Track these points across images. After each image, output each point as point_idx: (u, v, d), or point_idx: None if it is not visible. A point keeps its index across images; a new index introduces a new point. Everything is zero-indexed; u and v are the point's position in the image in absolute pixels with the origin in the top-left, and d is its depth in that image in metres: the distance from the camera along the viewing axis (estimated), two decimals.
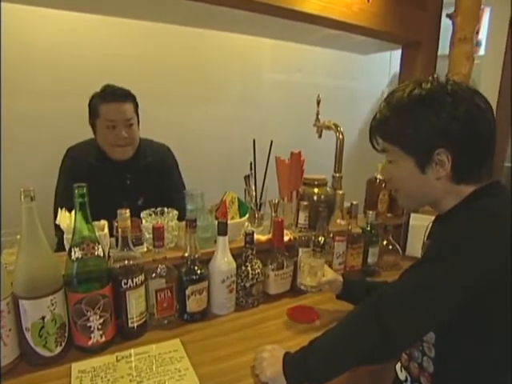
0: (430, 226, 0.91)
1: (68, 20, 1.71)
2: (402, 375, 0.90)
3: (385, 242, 1.42)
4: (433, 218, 1.49)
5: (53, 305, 0.82)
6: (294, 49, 2.08)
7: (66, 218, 0.96)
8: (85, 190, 0.83)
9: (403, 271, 1.03)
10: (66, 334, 0.86)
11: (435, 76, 0.74)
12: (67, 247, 0.95)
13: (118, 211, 0.90)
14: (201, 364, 0.86)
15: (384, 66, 2.51)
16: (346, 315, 0.79)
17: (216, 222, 1.13)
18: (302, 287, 1.09)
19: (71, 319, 0.86)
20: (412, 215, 1.50)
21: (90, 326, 0.86)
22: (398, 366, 0.93)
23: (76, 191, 0.83)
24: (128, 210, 0.91)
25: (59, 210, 0.99)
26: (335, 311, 1.10)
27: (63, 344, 0.86)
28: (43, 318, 0.81)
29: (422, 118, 0.71)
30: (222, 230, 1.05)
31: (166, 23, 1.69)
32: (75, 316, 0.85)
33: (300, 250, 1.19)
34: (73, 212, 0.97)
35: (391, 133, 0.77)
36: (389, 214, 1.48)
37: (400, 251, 1.43)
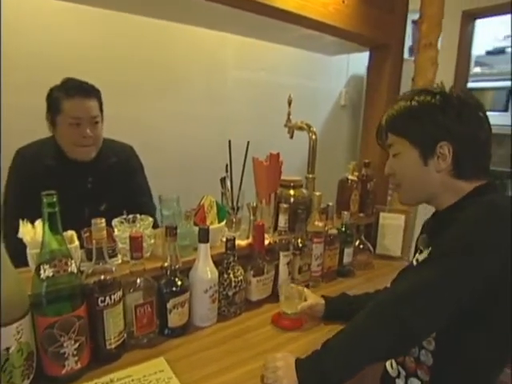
0: (428, 221, 0.92)
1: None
2: (394, 371, 0.91)
3: (357, 242, 1.45)
4: (402, 216, 1.55)
5: (19, 333, 0.70)
6: (257, 46, 2.04)
7: (29, 231, 0.83)
8: (55, 199, 0.73)
9: (400, 271, 1.05)
10: (34, 365, 0.75)
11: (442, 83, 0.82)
12: (32, 263, 0.83)
13: (93, 221, 0.80)
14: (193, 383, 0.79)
15: (341, 68, 2.57)
16: (356, 316, 0.78)
17: (195, 229, 1.07)
18: (284, 314, 1.05)
19: (40, 347, 0.75)
20: (381, 214, 1.54)
21: (64, 353, 0.76)
22: (388, 362, 0.94)
23: (44, 200, 0.72)
24: (104, 220, 0.81)
25: (21, 221, 0.85)
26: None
27: (31, 376, 0.74)
28: (7, 349, 0.69)
29: (430, 113, 0.78)
30: (204, 236, 0.98)
31: (127, 13, 1.56)
32: (46, 343, 0.74)
33: (281, 253, 1.17)
34: (36, 223, 0.86)
35: (400, 126, 0.83)
36: (361, 214, 1.51)
37: (372, 250, 1.46)
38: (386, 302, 0.76)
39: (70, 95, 1.21)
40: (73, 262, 0.77)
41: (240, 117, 2.15)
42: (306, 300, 1.05)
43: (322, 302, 1.06)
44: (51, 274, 0.73)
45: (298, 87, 2.26)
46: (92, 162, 1.31)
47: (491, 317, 0.74)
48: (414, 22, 1.38)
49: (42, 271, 0.73)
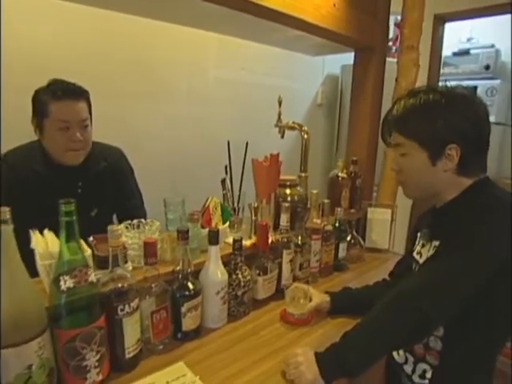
0: (427, 217, 0.97)
1: None
2: (401, 358, 0.96)
3: (349, 237, 1.50)
4: (388, 210, 1.62)
5: (41, 349, 0.67)
6: (237, 45, 2.04)
7: (40, 241, 0.79)
8: (73, 207, 0.70)
9: (397, 262, 1.10)
10: (55, 380, 0.72)
11: (446, 83, 0.82)
12: (44, 275, 0.80)
13: (109, 227, 0.78)
14: None
15: (317, 68, 2.63)
16: (373, 309, 0.82)
17: (201, 231, 1.06)
18: (290, 316, 1.07)
19: (61, 361, 0.72)
20: (369, 209, 1.61)
21: (86, 366, 0.73)
22: None
23: (63, 208, 0.69)
24: (120, 227, 0.79)
25: (31, 232, 0.81)
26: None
27: None
28: (30, 366, 0.66)
29: (440, 116, 0.80)
30: (214, 238, 0.98)
31: (111, 10, 1.50)
32: (67, 357, 0.71)
33: (284, 252, 1.19)
34: (45, 233, 0.83)
35: (410, 129, 0.84)
36: (352, 210, 1.57)
37: (363, 245, 1.52)
38: (404, 295, 0.80)
39: (58, 97, 1.15)
40: (91, 271, 0.75)
41: (221, 116, 2.14)
42: (311, 300, 1.07)
43: (327, 298, 1.10)
44: (72, 285, 0.70)
45: (276, 86, 2.29)
46: (81, 167, 1.26)
47: (494, 301, 0.80)
48: (396, 25, 1.45)
49: (61, 282, 0.70)
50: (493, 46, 2.49)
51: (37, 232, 0.82)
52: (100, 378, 0.77)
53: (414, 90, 0.88)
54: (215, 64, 2.06)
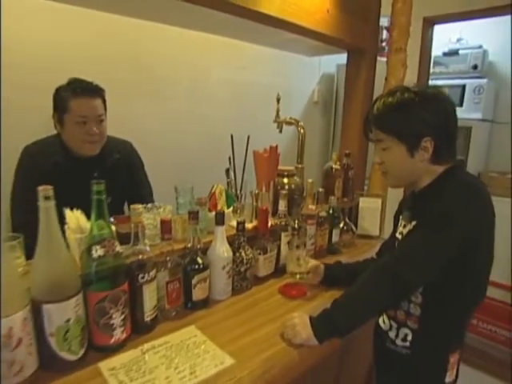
0: (407, 201, 1.10)
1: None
2: (386, 326, 1.09)
3: (342, 224, 1.63)
4: (378, 200, 1.75)
5: (77, 305, 0.80)
6: (237, 46, 2.16)
7: (72, 218, 0.92)
8: (103, 187, 0.82)
9: (383, 243, 1.23)
10: (87, 336, 0.85)
11: (417, 84, 0.95)
12: (75, 247, 0.92)
13: (131, 206, 0.91)
14: (224, 344, 0.92)
15: (314, 67, 2.75)
16: (359, 278, 0.95)
17: (208, 214, 1.19)
18: (291, 275, 1.20)
19: (91, 320, 0.84)
20: (361, 199, 1.73)
21: (113, 324, 0.86)
22: (381, 318, 1.12)
23: (94, 188, 0.82)
24: (140, 206, 0.92)
25: (66, 209, 0.93)
26: (318, 284, 1.25)
27: (85, 345, 0.84)
28: (68, 320, 0.78)
29: (415, 113, 0.91)
30: (220, 219, 1.11)
31: (117, 14, 1.62)
32: (97, 315, 0.84)
33: (282, 234, 1.31)
34: (75, 211, 0.95)
35: (389, 125, 0.95)
36: (344, 199, 1.69)
37: (355, 231, 1.65)
38: (385, 265, 0.93)
39: (77, 95, 1.27)
40: (117, 243, 0.87)
41: (223, 113, 2.26)
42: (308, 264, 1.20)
43: (322, 266, 1.23)
44: (102, 254, 0.83)
45: (275, 85, 2.40)
46: (97, 158, 1.38)
47: (465, 270, 0.93)
48: (385, 28, 1.57)
49: (93, 251, 0.82)
50: (480, 46, 2.62)
51: (69, 210, 0.94)
52: (124, 335, 0.89)
53: (392, 90, 0.97)
54: (217, 64, 2.18)
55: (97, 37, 1.77)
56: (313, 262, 1.22)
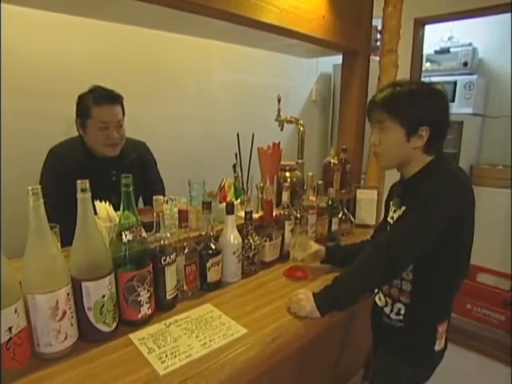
0: (397, 188, 1.21)
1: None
2: (381, 302, 1.21)
3: (340, 214, 1.75)
4: (374, 191, 1.87)
5: (110, 284, 0.92)
6: (237, 50, 2.28)
7: (102, 209, 1.04)
8: (130, 180, 0.94)
9: (377, 226, 1.35)
10: (118, 312, 0.97)
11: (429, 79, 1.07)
12: (106, 234, 1.04)
13: (155, 197, 1.03)
14: (238, 317, 1.04)
15: (312, 67, 2.87)
16: (357, 258, 1.06)
17: (219, 205, 1.31)
18: (294, 259, 1.32)
19: (122, 297, 0.96)
20: (358, 190, 1.86)
21: (140, 301, 0.98)
22: (377, 296, 1.23)
23: (123, 181, 0.94)
24: (162, 197, 1.04)
25: (97, 201, 1.06)
26: (319, 267, 1.37)
27: (117, 319, 0.96)
28: (103, 296, 0.90)
29: (422, 102, 1.01)
30: (230, 210, 1.23)
31: (125, 24, 1.74)
32: (127, 293, 0.96)
33: (286, 223, 1.44)
34: (104, 203, 1.08)
35: (396, 108, 1.02)
36: (342, 191, 1.81)
37: (353, 220, 1.77)
38: (379, 245, 1.05)
39: (99, 102, 1.39)
40: (143, 229, 0.99)
41: (226, 113, 2.38)
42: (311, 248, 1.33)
43: (323, 249, 1.36)
44: (131, 238, 0.95)
45: (274, 85, 2.53)
46: (116, 158, 1.50)
47: (449, 249, 1.04)
48: (378, 31, 1.69)
49: (123, 236, 0.94)
50: (470, 44, 2.73)
51: (98, 202, 1.06)
52: (150, 311, 1.01)
53: (402, 81, 1.07)
54: (219, 67, 2.30)
55: (108, 46, 1.89)
56: (315, 247, 1.34)
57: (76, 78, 1.71)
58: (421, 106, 1.01)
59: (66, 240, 0.95)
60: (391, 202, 1.21)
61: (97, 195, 1.11)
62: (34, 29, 1.68)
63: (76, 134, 1.49)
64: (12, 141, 1.58)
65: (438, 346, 1.13)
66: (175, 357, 0.87)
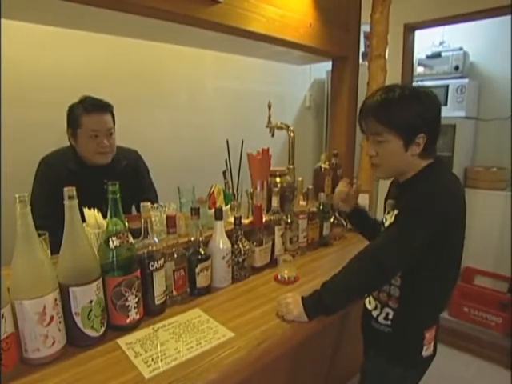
0: (393, 189, 1.21)
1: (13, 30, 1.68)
2: (371, 305, 1.21)
3: (332, 218, 1.76)
4: (366, 195, 1.88)
5: (98, 289, 0.93)
6: (230, 58, 2.32)
7: (91, 216, 1.06)
8: (117, 187, 0.97)
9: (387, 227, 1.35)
10: (106, 317, 0.98)
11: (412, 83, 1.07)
12: (94, 240, 1.06)
13: (142, 204, 1.05)
14: (225, 321, 1.05)
15: (305, 74, 2.91)
16: (346, 264, 1.05)
17: (208, 211, 1.33)
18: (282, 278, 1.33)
19: (110, 302, 0.98)
20: None
21: (128, 306, 0.99)
22: (367, 300, 1.24)
23: (110, 188, 0.96)
24: (149, 203, 1.06)
25: (85, 208, 1.08)
26: (309, 273, 1.38)
27: (105, 324, 0.98)
28: (91, 301, 0.92)
29: (415, 108, 0.98)
30: (219, 215, 1.25)
31: (121, 36, 1.77)
32: (115, 298, 0.97)
33: (276, 228, 1.45)
34: (92, 210, 1.09)
35: (392, 119, 1.00)
36: None
37: (345, 225, 1.78)
38: (367, 251, 1.04)
39: (88, 111, 1.42)
40: (130, 235, 1.01)
41: (219, 120, 2.41)
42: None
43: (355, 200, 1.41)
44: (118, 244, 0.97)
45: (268, 92, 2.56)
46: (107, 166, 1.53)
47: (439, 256, 1.04)
48: (365, 37, 1.72)
49: (111, 242, 0.96)
50: (461, 48, 2.76)
51: (87, 209, 1.08)
52: (138, 316, 1.02)
53: (390, 87, 1.03)
54: (212, 75, 2.34)
55: (101, 56, 1.92)
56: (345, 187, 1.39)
57: (69, 88, 1.73)
58: (416, 112, 0.98)
59: (59, 248, 0.97)
60: (386, 203, 1.22)
61: (89, 204, 1.13)
62: (26, 40, 1.71)
63: (68, 143, 1.51)
64: (4, 150, 1.61)
65: (426, 352, 1.12)
66: (161, 360, 0.89)
